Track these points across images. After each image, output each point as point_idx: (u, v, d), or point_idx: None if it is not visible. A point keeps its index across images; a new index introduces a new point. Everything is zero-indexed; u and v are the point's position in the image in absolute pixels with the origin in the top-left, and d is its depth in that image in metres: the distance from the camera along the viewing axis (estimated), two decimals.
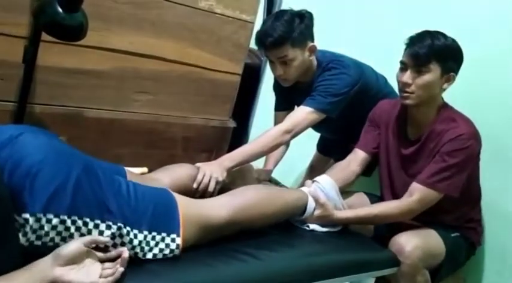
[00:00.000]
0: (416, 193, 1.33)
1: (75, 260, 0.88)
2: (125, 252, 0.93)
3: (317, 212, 1.34)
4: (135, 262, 0.98)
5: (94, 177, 0.96)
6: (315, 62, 1.57)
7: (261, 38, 1.46)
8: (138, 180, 1.18)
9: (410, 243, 1.31)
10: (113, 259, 0.94)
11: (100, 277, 0.90)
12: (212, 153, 1.91)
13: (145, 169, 1.38)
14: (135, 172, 1.25)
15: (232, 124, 1.98)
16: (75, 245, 0.88)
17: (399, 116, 1.47)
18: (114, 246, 0.96)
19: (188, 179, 1.30)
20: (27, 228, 0.85)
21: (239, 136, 2.23)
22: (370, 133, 1.55)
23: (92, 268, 0.91)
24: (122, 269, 0.92)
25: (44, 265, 0.85)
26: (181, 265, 1.05)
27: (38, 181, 0.87)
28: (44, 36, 1.29)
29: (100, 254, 0.94)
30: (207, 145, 1.92)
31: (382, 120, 1.52)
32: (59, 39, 1.26)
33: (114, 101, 1.64)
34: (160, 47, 1.66)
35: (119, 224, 0.95)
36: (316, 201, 1.35)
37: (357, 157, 1.54)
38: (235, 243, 1.17)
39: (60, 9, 1.18)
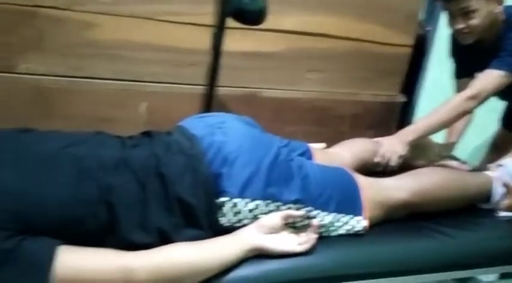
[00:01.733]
0: None
1: (274, 230, 0.95)
2: (314, 221, 0.98)
3: (508, 202, 1.22)
4: (321, 238, 1.01)
5: (285, 163, 1.01)
6: (501, 17, 1.39)
7: None
8: (321, 155, 1.22)
9: None
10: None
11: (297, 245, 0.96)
12: (380, 129, 1.87)
13: (322, 145, 1.41)
14: (317, 147, 1.28)
15: (401, 99, 1.90)
16: (274, 217, 0.95)
17: None
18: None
19: (368, 153, 1.29)
20: (226, 210, 0.93)
21: (406, 111, 2.13)
22: None
23: (289, 237, 0.97)
24: (315, 236, 0.97)
25: (246, 233, 0.93)
26: (366, 241, 1.07)
27: (234, 167, 0.94)
28: (228, 23, 1.40)
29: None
30: (374, 122, 1.89)
31: None
32: (244, 24, 1.35)
33: (287, 80, 1.70)
34: (328, 24, 1.67)
35: (309, 208, 0.99)
36: (508, 188, 1.22)
37: None
38: (422, 219, 1.14)
39: None
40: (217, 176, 0.93)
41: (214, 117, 1.10)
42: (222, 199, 0.92)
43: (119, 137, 1.00)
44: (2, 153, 0.84)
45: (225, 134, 1.00)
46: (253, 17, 1.32)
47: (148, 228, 0.87)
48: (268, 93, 1.69)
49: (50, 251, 0.76)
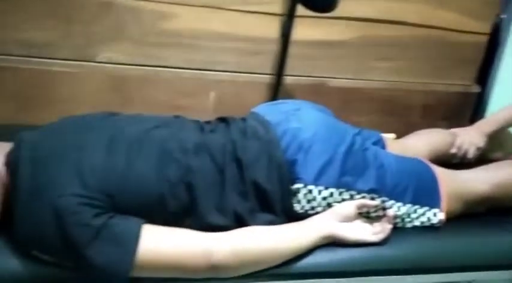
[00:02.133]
0: None
1: (348, 219, 0.95)
2: (390, 211, 0.96)
3: None
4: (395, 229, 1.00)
5: (360, 152, 1.00)
6: None
7: None
8: (394, 145, 1.19)
9: None
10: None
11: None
12: (453, 120, 1.79)
13: (393, 136, 1.38)
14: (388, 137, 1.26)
15: (476, 89, 1.81)
16: (348, 205, 0.95)
17: None
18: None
19: (444, 145, 1.25)
20: (300, 197, 0.94)
21: (480, 102, 2.03)
22: None
23: (363, 226, 0.96)
24: (390, 226, 0.95)
25: (321, 220, 0.94)
26: (442, 234, 1.04)
27: (309, 155, 0.95)
28: (297, 11, 1.40)
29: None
30: (447, 113, 1.81)
31: None
32: (314, 12, 1.34)
33: (355, 69, 1.67)
34: (402, 10, 1.61)
35: (383, 198, 0.97)
36: None
37: None
38: (502, 214, 1.10)
39: None
40: (292, 163, 0.94)
41: (289, 104, 1.11)
42: (297, 186, 0.93)
43: (196, 121, 1.04)
44: (97, 134, 0.90)
45: (299, 120, 1.01)
46: (324, 4, 1.30)
47: (225, 211, 0.89)
48: (336, 82, 1.67)
49: (137, 229, 0.81)
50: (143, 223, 0.83)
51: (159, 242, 0.82)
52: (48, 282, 0.83)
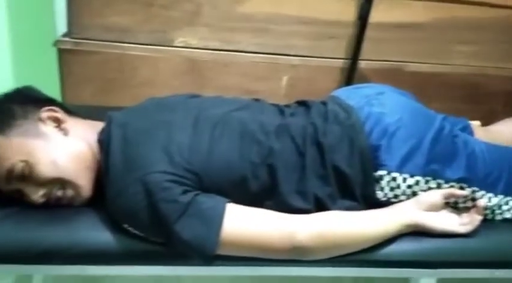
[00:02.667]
0: None
1: (434, 208, 0.91)
2: (481, 201, 0.91)
3: None
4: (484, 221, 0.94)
5: (449, 138, 0.95)
6: None
7: None
8: (482, 132, 1.13)
9: None
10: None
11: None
12: None
13: (478, 123, 1.31)
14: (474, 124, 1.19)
15: None
16: (435, 194, 0.91)
17: None
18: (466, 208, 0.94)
19: None
20: (383, 184, 0.91)
21: None
22: None
23: (450, 216, 0.92)
24: (479, 218, 0.91)
25: (406, 208, 0.91)
26: None
27: (394, 140, 0.91)
28: None
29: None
30: None
31: None
32: None
33: (435, 53, 1.59)
34: None
35: (474, 188, 0.92)
36: None
37: None
38: None
39: None
40: (376, 148, 0.91)
41: (371, 88, 1.08)
42: (380, 172, 0.90)
43: (276, 105, 1.03)
44: (183, 114, 0.92)
45: (383, 105, 0.97)
46: None
47: (305, 194, 0.89)
48: (413, 67, 1.60)
49: (222, 206, 0.82)
50: (228, 202, 0.84)
51: (244, 221, 0.83)
52: (138, 255, 0.86)
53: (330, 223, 0.86)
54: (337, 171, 0.90)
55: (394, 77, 1.59)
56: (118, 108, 1.02)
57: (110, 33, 1.45)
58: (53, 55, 1.47)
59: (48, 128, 0.89)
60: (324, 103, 1.03)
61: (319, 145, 0.91)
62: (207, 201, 0.83)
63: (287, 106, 1.05)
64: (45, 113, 0.90)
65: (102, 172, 0.88)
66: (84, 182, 0.89)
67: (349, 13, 1.51)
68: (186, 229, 0.80)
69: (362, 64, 1.57)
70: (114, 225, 0.86)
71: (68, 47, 1.43)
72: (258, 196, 0.89)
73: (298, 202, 0.89)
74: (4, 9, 1.67)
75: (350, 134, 0.92)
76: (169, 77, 1.52)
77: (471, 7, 1.54)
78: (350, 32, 1.53)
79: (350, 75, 1.52)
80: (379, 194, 0.91)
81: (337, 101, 1.03)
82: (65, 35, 1.45)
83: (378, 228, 0.88)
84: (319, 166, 0.90)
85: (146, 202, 0.80)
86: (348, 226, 0.86)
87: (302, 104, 1.05)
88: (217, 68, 1.52)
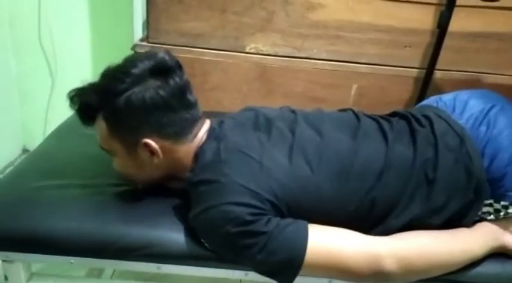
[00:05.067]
0: None
1: None
2: None
3: None
4: None
5: None
6: None
7: None
8: None
9: None
10: None
11: None
12: None
13: None
14: None
15: None
16: None
17: None
18: None
19: None
20: (505, 212, 0.84)
21: None
22: None
23: None
24: None
25: (494, 228, 0.86)
26: None
27: None
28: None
29: None
30: None
31: None
32: (483, 1, 1.22)
33: None
34: None
35: None
36: None
37: None
38: None
39: None
40: (500, 177, 0.84)
41: (477, 99, 0.96)
42: (504, 203, 0.84)
43: (374, 120, 0.95)
44: (280, 136, 0.89)
45: (501, 123, 0.88)
46: None
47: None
48: (493, 78, 1.52)
49: (305, 228, 0.79)
50: (308, 223, 0.81)
51: (327, 242, 0.80)
52: (208, 257, 0.86)
53: (417, 247, 0.80)
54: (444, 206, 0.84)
55: (471, 88, 1.52)
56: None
57: (185, 38, 1.49)
58: None
59: (141, 152, 0.87)
60: (428, 118, 0.93)
61: (429, 182, 0.84)
62: (289, 223, 0.79)
63: (386, 120, 0.95)
64: (143, 144, 0.86)
65: (189, 182, 0.86)
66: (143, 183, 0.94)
67: (427, 21, 1.46)
68: (270, 257, 0.77)
69: (438, 74, 1.51)
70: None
71: (145, 50, 1.48)
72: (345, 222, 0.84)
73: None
74: (87, 15, 1.77)
75: (466, 164, 0.85)
76: (239, 82, 1.53)
77: None
78: (427, 40, 1.48)
79: (425, 86, 1.46)
80: (491, 217, 0.87)
81: (443, 116, 0.93)
82: (142, 40, 1.51)
83: (467, 250, 0.82)
84: (424, 201, 0.84)
85: (226, 231, 0.78)
86: (435, 250, 0.81)
87: (402, 117, 0.96)
88: (286, 74, 1.52)
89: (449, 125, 0.91)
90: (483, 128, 0.88)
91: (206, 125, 0.93)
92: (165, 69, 0.85)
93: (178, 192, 0.92)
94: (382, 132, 0.91)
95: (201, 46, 1.51)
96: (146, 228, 0.86)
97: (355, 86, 1.55)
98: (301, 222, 0.81)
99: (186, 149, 0.89)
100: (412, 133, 0.90)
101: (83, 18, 1.77)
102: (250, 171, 0.81)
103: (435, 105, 1.02)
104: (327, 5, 1.46)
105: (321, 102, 1.54)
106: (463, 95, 1.02)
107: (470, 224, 0.87)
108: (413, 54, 1.51)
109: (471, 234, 0.85)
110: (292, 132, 0.89)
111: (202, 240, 0.84)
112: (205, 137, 0.91)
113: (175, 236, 0.86)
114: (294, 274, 0.78)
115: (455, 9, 1.40)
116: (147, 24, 1.47)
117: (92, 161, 1.02)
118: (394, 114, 1.00)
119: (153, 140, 0.85)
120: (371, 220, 0.84)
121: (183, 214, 0.87)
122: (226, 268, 0.87)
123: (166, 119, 0.85)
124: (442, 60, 1.49)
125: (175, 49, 1.50)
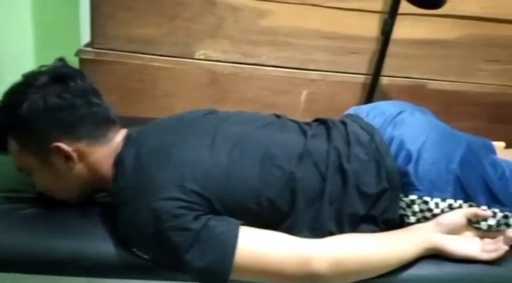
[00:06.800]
0: None
1: (455, 230, 0.87)
2: (510, 231, 0.87)
3: None
4: None
5: (476, 159, 0.91)
6: None
7: None
8: (505, 154, 1.09)
9: None
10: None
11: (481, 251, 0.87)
12: None
13: (502, 144, 1.27)
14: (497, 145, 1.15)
15: None
16: (456, 215, 0.87)
17: None
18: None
19: None
20: (416, 209, 0.87)
21: None
22: None
23: (472, 241, 0.89)
24: (505, 247, 0.87)
25: (425, 229, 0.87)
26: None
27: (421, 164, 0.87)
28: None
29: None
30: None
31: None
32: (421, 8, 1.26)
33: (459, 71, 1.56)
34: None
35: (506, 213, 0.88)
36: None
37: None
38: None
39: None
40: (404, 173, 0.88)
41: (391, 106, 1.04)
42: (412, 197, 0.87)
43: (296, 122, 1.01)
44: (199, 133, 0.91)
45: (406, 125, 0.95)
46: (433, 1, 1.22)
47: (319, 229, 0.86)
48: (436, 84, 1.58)
49: (235, 230, 0.79)
50: (241, 224, 0.81)
51: (258, 244, 0.80)
52: (144, 269, 0.85)
53: (348, 248, 0.82)
54: (362, 195, 0.87)
55: (417, 94, 1.57)
56: (138, 119, 1.02)
57: (133, 44, 1.47)
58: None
59: (56, 160, 0.86)
60: (343, 122, 0.99)
61: (343, 172, 0.87)
62: (220, 224, 0.79)
63: (307, 124, 1.02)
64: (54, 148, 0.86)
65: (113, 192, 0.87)
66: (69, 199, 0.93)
67: (372, 28, 1.49)
68: (199, 257, 0.77)
69: (384, 80, 1.55)
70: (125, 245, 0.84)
71: (90, 57, 1.45)
72: (272, 222, 0.85)
73: (308, 236, 0.85)
74: (29, 19, 1.71)
75: (376, 158, 0.89)
76: (189, 89, 1.52)
77: (500, 25, 1.52)
78: (372, 47, 1.52)
79: (371, 92, 1.49)
80: (412, 219, 0.88)
81: (356, 120, 1.00)
82: (87, 45, 1.47)
83: (398, 252, 0.84)
84: (339, 194, 0.87)
85: (155, 230, 0.77)
86: (366, 251, 0.82)
87: (322, 122, 1.02)
88: (237, 80, 1.52)
89: (361, 125, 0.97)
90: (389, 128, 0.94)
91: (122, 132, 0.94)
92: (65, 77, 0.87)
93: (108, 205, 0.90)
94: (301, 129, 0.97)
95: (150, 52, 1.49)
96: (76, 240, 0.84)
97: (305, 92, 1.57)
98: (232, 223, 0.80)
99: (103, 153, 0.89)
100: (328, 131, 0.96)
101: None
102: (171, 166, 0.82)
103: (353, 112, 1.07)
104: (277, 12, 1.47)
105: (271, 108, 1.54)
106: (380, 103, 1.11)
107: (405, 225, 0.89)
108: (359, 61, 1.54)
109: (404, 235, 0.86)
110: (216, 126, 0.92)
111: (134, 249, 0.83)
112: (122, 143, 0.91)
113: (107, 247, 0.84)
114: (224, 279, 0.78)
115: (400, 17, 1.44)
116: (92, 29, 1.44)
117: (17, 172, 0.96)
118: (315, 120, 1.05)
119: (65, 143, 0.85)
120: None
121: (114, 225, 0.85)
122: (162, 279, 0.85)
123: (72, 118, 0.86)
124: (388, 67, 1.53)
125: (124, 55, 1.47)
